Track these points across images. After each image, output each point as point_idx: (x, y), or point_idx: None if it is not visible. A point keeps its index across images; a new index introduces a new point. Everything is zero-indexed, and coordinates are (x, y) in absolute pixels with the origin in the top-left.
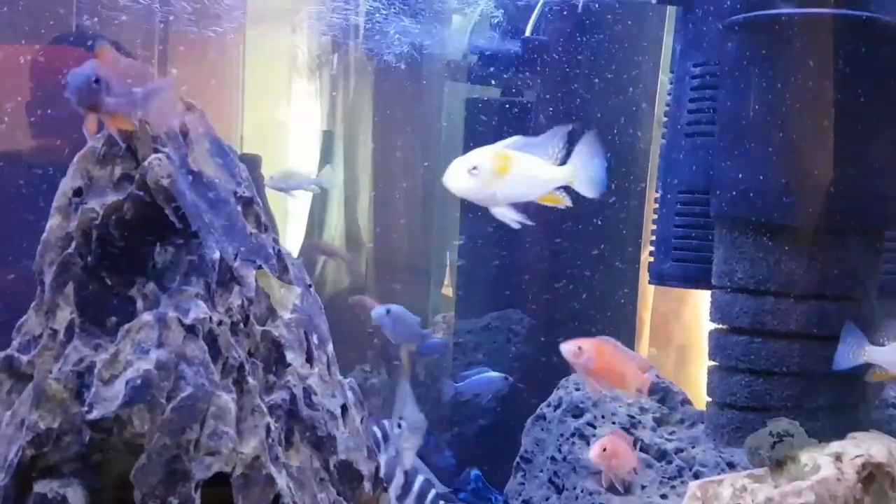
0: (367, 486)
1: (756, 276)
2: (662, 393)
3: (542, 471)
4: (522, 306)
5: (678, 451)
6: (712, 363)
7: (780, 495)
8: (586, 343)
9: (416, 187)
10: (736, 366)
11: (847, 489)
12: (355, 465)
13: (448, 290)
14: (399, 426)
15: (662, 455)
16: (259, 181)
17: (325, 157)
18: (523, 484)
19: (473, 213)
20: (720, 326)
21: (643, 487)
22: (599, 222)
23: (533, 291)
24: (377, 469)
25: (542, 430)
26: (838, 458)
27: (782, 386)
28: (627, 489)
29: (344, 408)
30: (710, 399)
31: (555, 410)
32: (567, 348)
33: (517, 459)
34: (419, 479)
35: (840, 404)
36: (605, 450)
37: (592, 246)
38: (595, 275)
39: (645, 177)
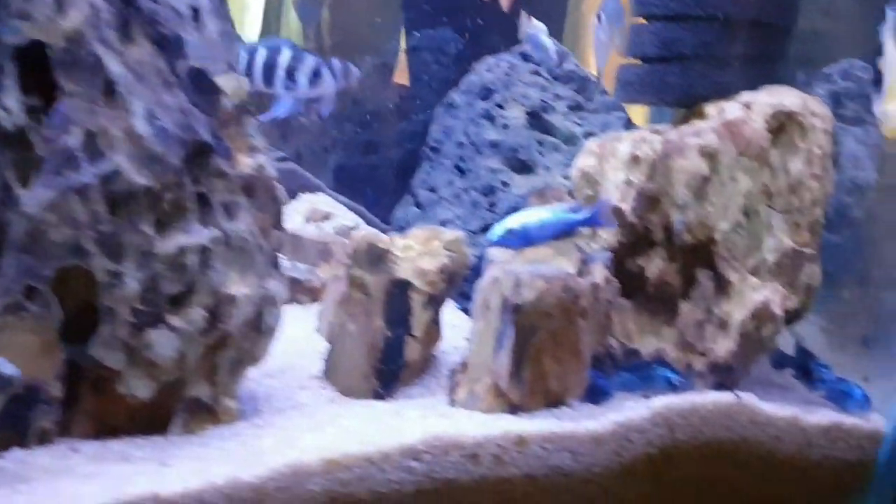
0: (226, 102)
1: None
2: (580, 82)
3: (448, 157)
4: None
5: (587, 134)
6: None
7: (680, 136)
8: None
9: None
10: (650, 13)
11: (753, 133)
12: (210, 74)
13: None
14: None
15: (571, 139)
16: None
17: None
18: (429, 172)
19: None
20: None
21: (547, 168)
22: None
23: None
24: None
25: (451, 116)
26: (748, 106)
27: (696, 32)
28: (531, 170)
29: (195, 10)
30: (622, 57)
31: (464, 95)
32: None
33: (424, 149)
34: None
35: (759, 55)
36: None
37: None
38: None
39: None
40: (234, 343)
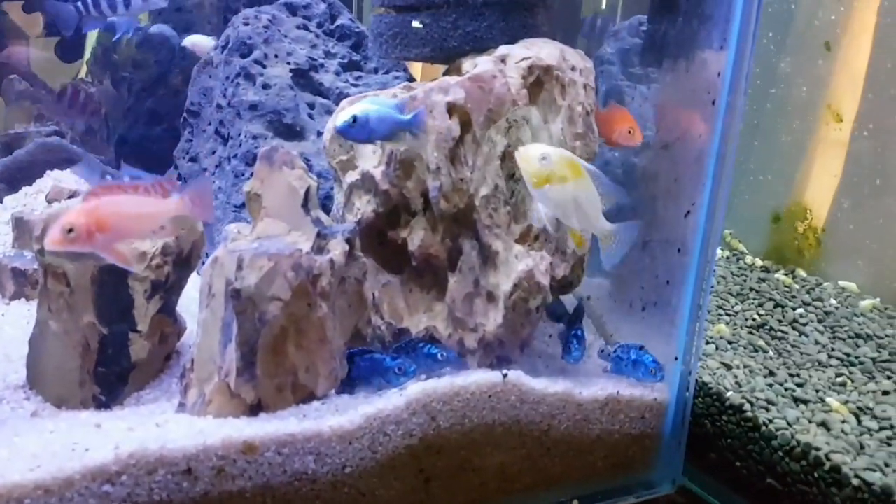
0: None
1: None
2: (356, 38)
3: (209, 123)
4: None
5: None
6: None
7: (426, 93)
8: None
9: None
10: None
11: (505, 88)
12: None
13: None
14: None
15: (343, 98)
16: None
17: None
18: (191, 141)
19: None
20: None
21: (320, 133)
22: None
23: None
24: None
25: (210, 76)
26: (503, 59)
27: None
28: (300, 135)
29: None
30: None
31: (222, 52)
32: None
33: (183, 115)
34: None
35: (520, 4)
36: None
37: None
38: None
39: None
40: None
